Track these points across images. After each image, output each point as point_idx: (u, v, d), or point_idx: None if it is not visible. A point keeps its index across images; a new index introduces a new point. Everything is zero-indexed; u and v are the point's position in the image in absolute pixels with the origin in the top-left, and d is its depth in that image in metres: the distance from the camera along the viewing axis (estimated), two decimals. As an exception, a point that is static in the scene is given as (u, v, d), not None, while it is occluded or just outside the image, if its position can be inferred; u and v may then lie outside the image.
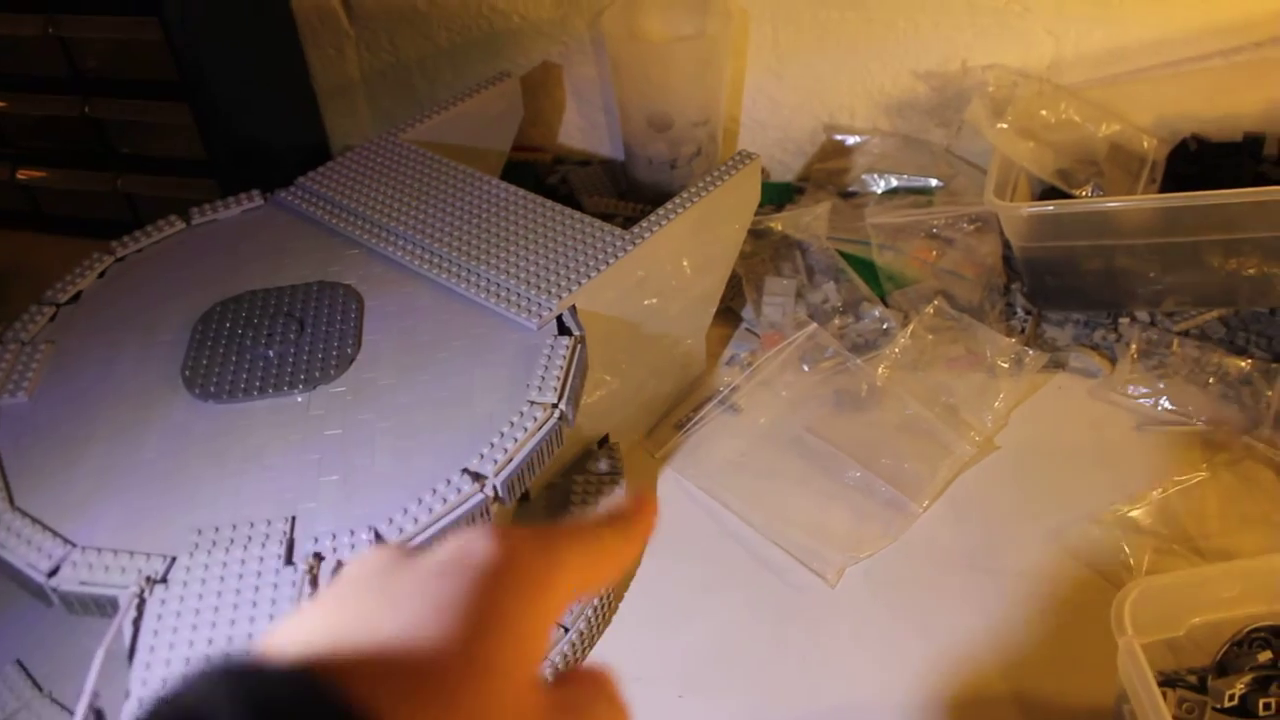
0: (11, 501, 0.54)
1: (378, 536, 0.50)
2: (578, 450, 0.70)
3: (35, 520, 0.53)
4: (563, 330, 0.62)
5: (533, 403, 0.57)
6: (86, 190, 0.97)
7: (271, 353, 0.61)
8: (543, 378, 0.58)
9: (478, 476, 0.53)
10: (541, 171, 1.01)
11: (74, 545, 0.51)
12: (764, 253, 0.85)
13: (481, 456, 0.54)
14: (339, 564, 0.49)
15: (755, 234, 0.86)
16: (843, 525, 0.69)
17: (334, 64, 1.00)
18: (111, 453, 0.57)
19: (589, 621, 0.61)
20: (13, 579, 0.52)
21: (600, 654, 0.63)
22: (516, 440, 0.55)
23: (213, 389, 0.59)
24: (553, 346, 0.60)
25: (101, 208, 0.97)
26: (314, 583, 0.48)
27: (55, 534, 0.52)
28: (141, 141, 0.94)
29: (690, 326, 0.77)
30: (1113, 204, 0.75)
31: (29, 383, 0.61)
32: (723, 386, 0.78)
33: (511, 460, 0.54)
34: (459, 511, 0.52)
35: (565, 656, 0.60)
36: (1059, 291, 0.82)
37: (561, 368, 0.58)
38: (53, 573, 0.50)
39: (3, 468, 0.56)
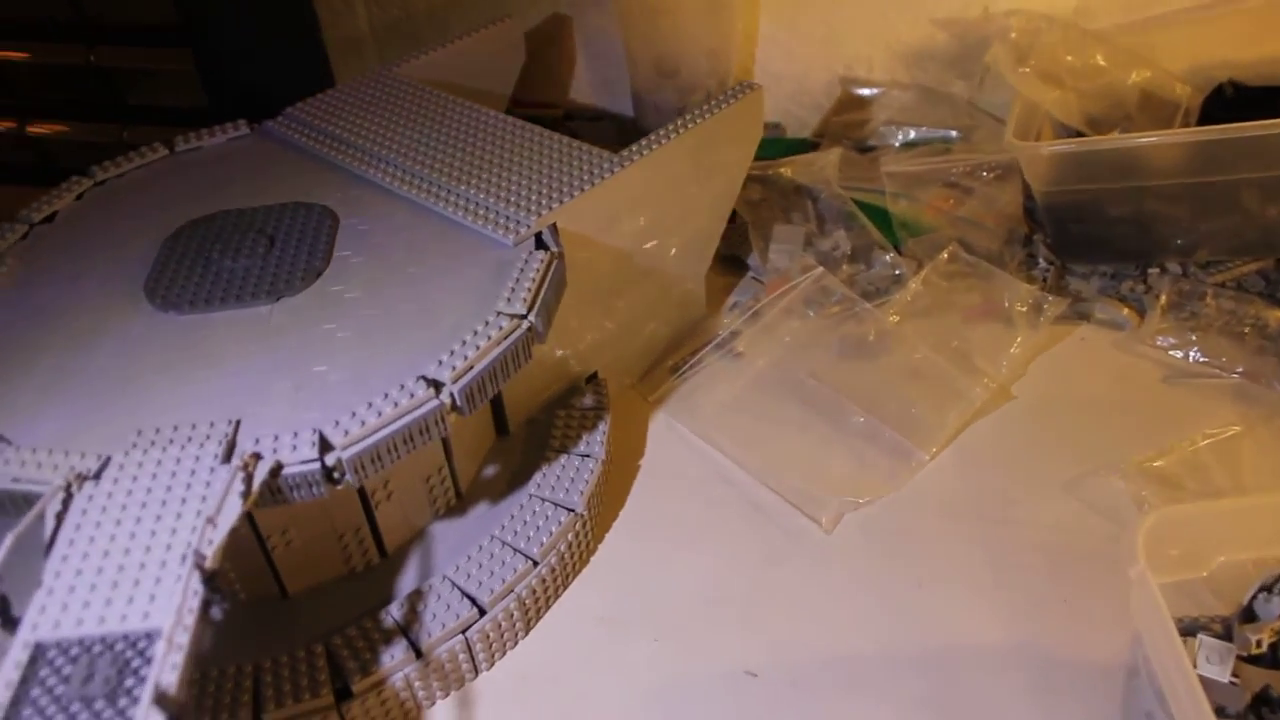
0: (-47, 404, 0.51)
1: (322, 439, 0.47)
2: (563, 386, 0.66)
3: (-26, 423, 0.50)
4: (541, 248, 0.58)
5: (500, 313, 0.53)
6: (94, 143, 0.95)
7: (238, 266, 0.59)
8: (513, 289, 0.54)
9: (434, 383, 0.50)
10: (551, 127, 0.97)
11: (9, 444, 0.49)
12: (773, 200, 0.81)
13: (440, 363, 0.50)
14: (278, 465, 0.46)
15: (764, 182, 0.82)
16: (843, 471, 0.64)
17: (343, 17, 0.98)
18: (64, 361, 0.54)
19: (561, 556, 0.57)
20: (-54, 479, 0.49)
21: (573, 594, 0.59)
22: (478, 348, 0.51)
23: (174, 300, 0.57)
24: (526, 260, 0.56)
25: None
26: (247, 480, 0.45)
27: (-6, 435, 0.50)
28: (148, 92, 0.93)
29: (689, 267, 0.73)
30: (1141, 140, 0.70)
31: (-10, 295, 0.59)
32: (723, 331, 0.74)
33: (472, 368, 0.50)
34: (410, 417, 0.48)
35: (534, 592, 0.56)
36: (1084, 241, 0.77)
37: (534, 280, 0.55)
38: (-15, 471, 0.48)
39: (-50, 373, 0.54)
